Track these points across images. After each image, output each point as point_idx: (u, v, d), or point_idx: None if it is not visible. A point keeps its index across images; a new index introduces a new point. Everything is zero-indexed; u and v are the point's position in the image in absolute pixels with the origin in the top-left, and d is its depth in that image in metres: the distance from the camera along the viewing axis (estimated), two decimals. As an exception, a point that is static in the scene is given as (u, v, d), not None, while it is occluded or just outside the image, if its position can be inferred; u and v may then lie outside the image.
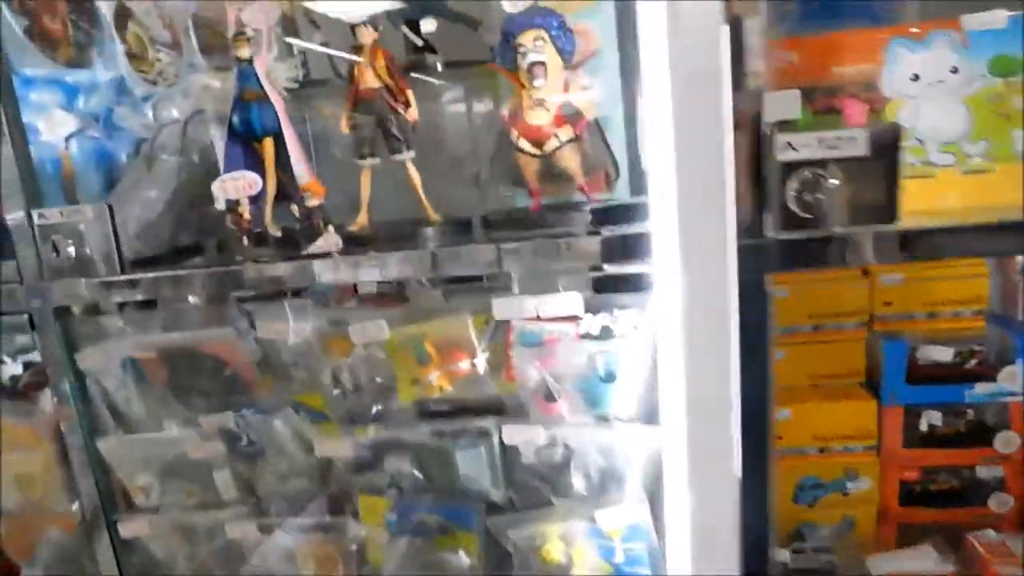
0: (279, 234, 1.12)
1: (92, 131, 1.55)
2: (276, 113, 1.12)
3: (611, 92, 1.16)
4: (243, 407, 1.06)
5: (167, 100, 1.53)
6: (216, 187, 1.04)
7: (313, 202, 1.07)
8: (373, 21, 1.09)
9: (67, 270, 1.02)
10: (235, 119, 1.13)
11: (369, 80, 1.07)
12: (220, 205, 1.13)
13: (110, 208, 1.04)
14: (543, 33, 1.01)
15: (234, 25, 1.16)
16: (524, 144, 1.05)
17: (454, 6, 1.41)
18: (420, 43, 1.38)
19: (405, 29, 1.37)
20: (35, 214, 1.02)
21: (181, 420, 1.08)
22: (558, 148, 1.03)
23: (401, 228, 1.09)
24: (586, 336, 0.97)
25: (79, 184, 1.43)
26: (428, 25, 1.36)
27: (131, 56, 1.33)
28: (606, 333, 0.97)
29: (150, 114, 1.55)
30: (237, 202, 1.05)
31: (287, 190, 1.17)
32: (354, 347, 1.02)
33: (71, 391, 1.08)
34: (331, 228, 1.05)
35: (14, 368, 1.36)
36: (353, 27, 1.07)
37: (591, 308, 0.95)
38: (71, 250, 1.01)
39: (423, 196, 1.12)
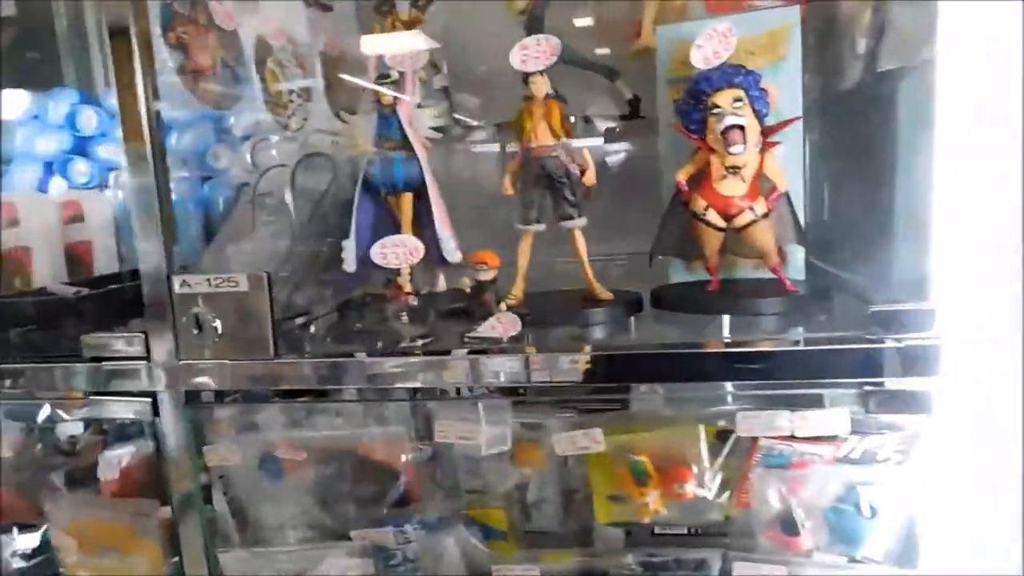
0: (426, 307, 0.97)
1: (183, 171, 1.40)
2: (420, 166, 0.98)
3: (795, 158, 1.03)
4: (404, 520, 0.88)
5: (266, 143, 1.39)
6: (376, 253, 0.88)
7: (487, 275, 0.91)
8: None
9: (209, 349, 0.86)
10: (373, 171, 0.98)
11: (542, 137, 0.92)
12: (350, 267, 0.98)
13: (269, 277, 0.87)
14: (742, 93, 0.87)
15: (376, 66, 1.02)
16: (712, 216, 0.91)
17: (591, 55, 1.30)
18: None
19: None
20: (176, 280, 0.85)
21: (325, 532, 0.90)
22: (752, 223, 0.90)
23: (558, 302, 0.96)
24: (845, 460, 0.81)
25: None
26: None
27: (267, 96, 1.18)
28: (868, 458, 0.82)
29: (247, 156, 1.40)
30: (397, 272, 0.89)
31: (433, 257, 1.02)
32: (549, 455, 0.86)
33: (194, 491, 0.90)
34: (504, 306, 0.90)
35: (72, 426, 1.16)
36: (526, 76, 0.93)
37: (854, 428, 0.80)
38: (217, 325, 0.84)
39: (588, 269, 0.99)
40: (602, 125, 1.39)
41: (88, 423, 1.04)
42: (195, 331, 0.84)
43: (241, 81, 1.21)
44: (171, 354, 0.85)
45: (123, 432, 1.00)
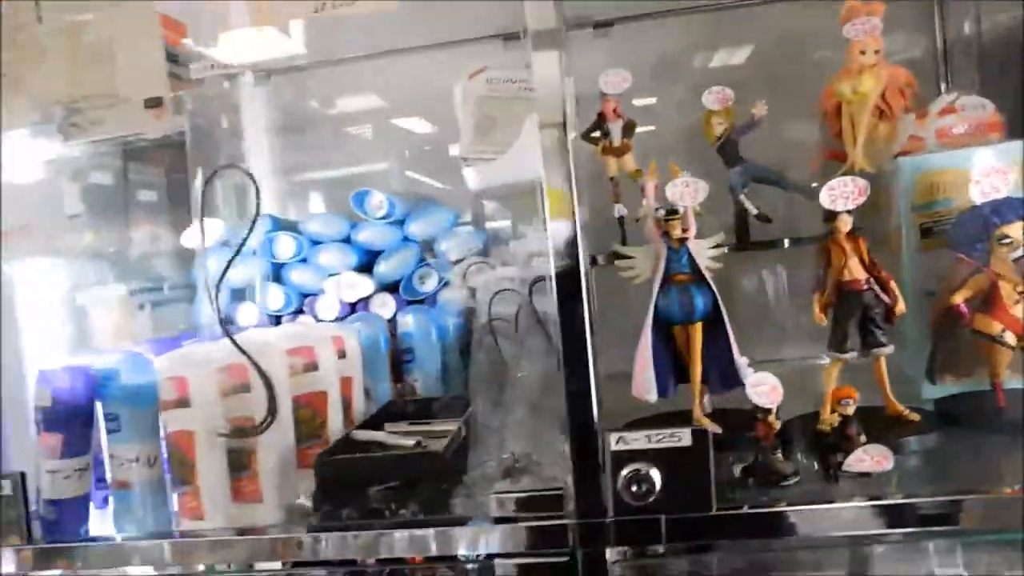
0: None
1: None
2: (714, 295, 1.01)
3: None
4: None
5: (481, 265, 1.40)
6: (753, 390, 0.88)
7: (850, 409, 0.91)
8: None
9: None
10: (667, 302, 1.01)
11: (855, 271, 0.97)
12: (651, 396, 0.97)
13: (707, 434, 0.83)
14: (1033, 225, 0.93)
15: (655, 200, 1.06)
16: (1009, 338, 0.95)
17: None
18: (755, 211, 1.31)
19: (743, 197, 1.30)
20: (612, 438, 0.79)
21: None
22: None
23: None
24: None
25: (416, 363, 1.25)
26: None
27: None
28: None
29: (459, 279, 1.40)
30: (768, 411, 0.89)
31: (718, 383, 1.03)
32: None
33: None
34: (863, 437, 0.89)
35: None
36: (833, 215, 0.97)
37: None
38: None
39: (890, 393, 1.01)
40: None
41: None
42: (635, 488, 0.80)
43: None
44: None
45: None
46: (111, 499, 0.94)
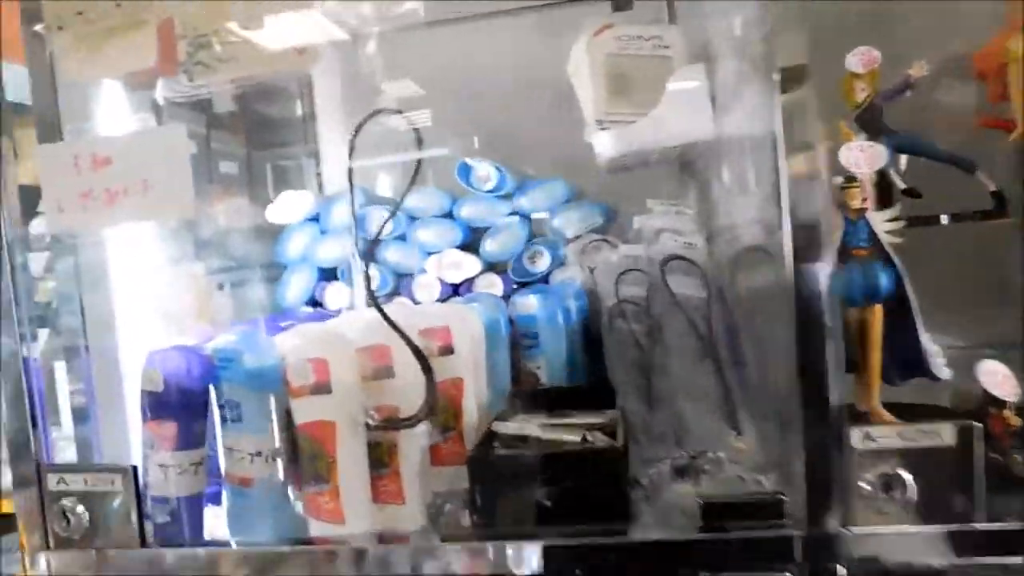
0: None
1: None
2: (898, 272, 0.88)
3: None
4: None
5: (599, 243, 1.27)
6: (988, 380, 0.75)
7: None
8: None
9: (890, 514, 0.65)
10: (843, 280, 0.88)
11: None
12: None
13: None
14: None
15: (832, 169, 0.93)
16: None
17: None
18: (903, 186, 1.17)
19: (892, 171, 1.17)
20: (856, 434, 0.65)
21: None
22: None
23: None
24: None
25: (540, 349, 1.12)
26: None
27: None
28: None
29: (573, 257, 1.27)
30: (1003, 403, 0.76)
31: (896, 373, 0.90)
32: None
33: None
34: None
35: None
36: None
37: None
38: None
39: None
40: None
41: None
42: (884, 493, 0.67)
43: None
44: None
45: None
46: (227, 498, 0.82)
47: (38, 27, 0.75)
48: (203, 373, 0.80)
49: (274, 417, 0.80)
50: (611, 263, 1.20)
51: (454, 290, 1.27)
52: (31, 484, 0.77)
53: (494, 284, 1.26)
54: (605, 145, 1.09)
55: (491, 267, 1.27)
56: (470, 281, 1.27)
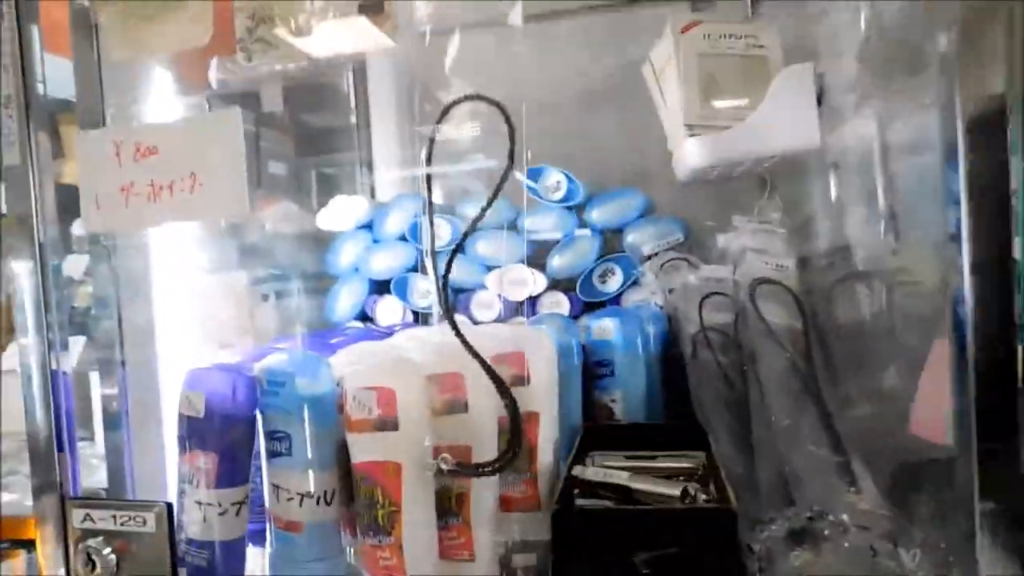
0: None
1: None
2: None
3: None
4: None
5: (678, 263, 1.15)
6: None
7: None
8: None
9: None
10: None
11: None
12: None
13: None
14: None
15: None
16: None
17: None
18: None
19: None
20: None
21: None
22: None
23: None
24: None
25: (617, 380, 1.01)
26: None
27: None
28: None
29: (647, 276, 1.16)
30: None
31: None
32: None
33: None
34: None
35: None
36: None
37: None
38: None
39: None
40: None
41: None
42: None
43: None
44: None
45: None
46: (271, 542, 0.72)
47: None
48: (249, 397, 0.70)
49: (330, 453, 0.70)
50: (692, 285, 1.08)
51: (515, 309, 1.17)
52: (53, 519, 0.67)
53: (560, 303, 1.15)
54: (694, 154, 0.98)
55: (556, 285, 1.17)
56: (534, 299, 1.16)
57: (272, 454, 0.70)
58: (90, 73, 0.74)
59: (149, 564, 0.66)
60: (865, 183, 0.86)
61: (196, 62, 0.88)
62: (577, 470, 0.77)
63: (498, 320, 1.17)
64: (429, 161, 0.69)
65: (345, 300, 1.22)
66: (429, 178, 0.70)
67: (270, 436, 0.70)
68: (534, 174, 1.16)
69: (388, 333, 1.03)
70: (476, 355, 0.65)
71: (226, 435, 0.69)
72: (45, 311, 0.72)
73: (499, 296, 1.17)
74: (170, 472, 0.85)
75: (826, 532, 0.70)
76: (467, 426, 0.67)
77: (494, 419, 0.69)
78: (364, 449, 0.65)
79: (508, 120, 0.67)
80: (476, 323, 1.17)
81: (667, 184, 1.18)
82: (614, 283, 1.14)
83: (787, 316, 1.00)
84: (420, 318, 1.21)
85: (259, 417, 0.72)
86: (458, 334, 0.66)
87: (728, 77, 1.01)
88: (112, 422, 0.86)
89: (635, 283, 1.14)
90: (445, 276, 0.71)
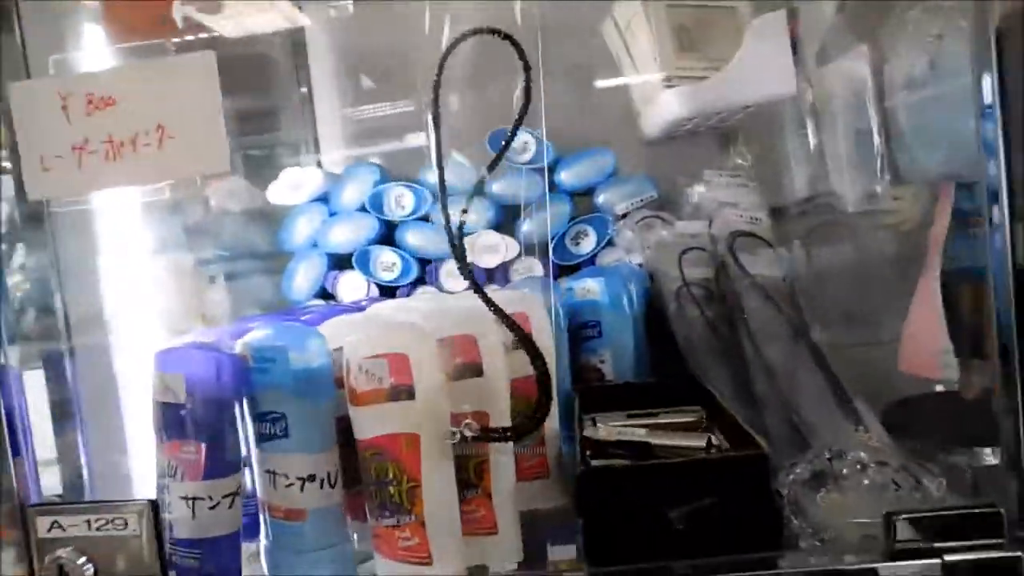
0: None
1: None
2: None
3: None
4: None
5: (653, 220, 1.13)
6: None
7: None
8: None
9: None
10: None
11: None
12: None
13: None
14: None
15: None
16: None
17: None
18: None
19: None
20: None
21: None
22: None
23: None
24: None
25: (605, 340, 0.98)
26: None
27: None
28: None
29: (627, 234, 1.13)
30: None
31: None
32: None
33: None
34: None
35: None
36: None
37: None
38: None
39: None
40: None
41: None
42: None
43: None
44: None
45: None
46: (269, 535, 0.66)
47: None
48: (235, 377, 0.63)
49: (330, 432, 0.64)
50: (668, 241, 1.07)
51: (487, 276, 1.13)
52: (14, 533, 0.59)
53: (533, 268, 1.11)
54: (672, 105, 0.96)
55: (527, 250, 1.13)
56: (506, 265, 1.12)
57: (264, 437, 0.64)
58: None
59: (133, 570, 0.59)
60: (851, 125, 0.86)
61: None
62: (589, 431, 0.74)
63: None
64: (436, 103, 0.63)
65: (303, 277, 1.13)
66: (437, 117, 0.64)
67: (261, 418, 0.64)
68: (499, 135, 1.11)
69: (359, 308, 0.97)
70: (502, 313, 0.61)
71: (212, 420, 0.62)
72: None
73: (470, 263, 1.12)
74: (135, 469, 0.77)
75: (845, 471, 0.69)
76: (482, 391, 0.63)
77: (507, 382, 0.65)
78: (375, 423, 0.60)
79: (522, 53, 0.62)
80: (443, 292, 1.12)
81: (629, 144, 1.16)
82: (588, 244, 1.11)
83: (766, 267, 1.00)
84: (385, 293, 1.15)
85: (246, 400, 0.65)
86: (479, 290, 0.61)
87: (698, 27, 0.99)
88: (63, 421, 0.77)
89: (609, 244, 1.12)
90: (460, 228, 0.66)
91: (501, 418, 0.64)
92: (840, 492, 0.67)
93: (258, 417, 0.64)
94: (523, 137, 1.11)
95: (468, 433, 0.57)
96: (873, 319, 0.92)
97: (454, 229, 0.66)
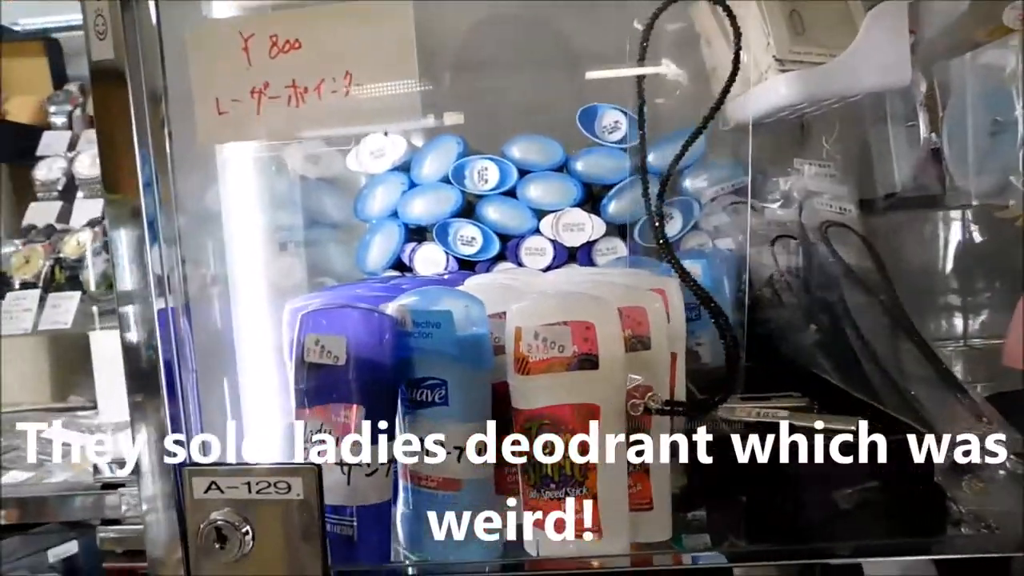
0: None
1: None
2: None
3: None
4: None
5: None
6: None
7: None
8: None
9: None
10: None
11: None
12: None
13: None
14: None
15: None
16: None
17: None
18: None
19: None
20: None
21: None
22: None
23: None
24: None
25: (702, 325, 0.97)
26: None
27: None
28: None
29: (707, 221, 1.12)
30: None
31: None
32: None
33: None
34: None
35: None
36: None
37: None
38: None
39: None
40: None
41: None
42: None
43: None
44: None
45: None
46: (418, 506, 0.64)
47: None
48: (395, 340, 0.61)
49: (488, 401, 0.62)
50: (759, 228, 1.07)
51: (568, 255, 1.11)
52: (163, 493, 0.56)
53: (617, 249, 1.10)
54: (782, 90, 0.95)
55: (612, 230, 1.11)
56: (589, 246, 1.11)
57: (420, 404, 0.62)
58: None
59: (291, 537, 0.56)
60: (987, 117, 0.85)
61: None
62: (725, 412, 0.73)
63: (551, 267, 1.10)
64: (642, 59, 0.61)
65: (379, 248, 1.10)
66: (641, 80, 0.62)
67: (418, 384, 0.62)
68: (589, 113, 1.09)
69: (459, 279, 0.94)
70: (693, 282, 0.59)
71: (373, 383, 0.59)
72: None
73: (551, 242, 1.10)
74: (251, 433, 0.74)
75: (987, 461, 0.70)
76: (648, 364, 0.61)
77: (670, 356, 0.64)
78: (549, 392, 0.58)
79: (733, 20, 0.60)
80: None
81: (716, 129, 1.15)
82: (673, 228, 1.11)
83: (857, 257, 1.01)
84: (464, 267, 1.13)
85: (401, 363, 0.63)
86: (675, 262, 0.60)
87: (809, 13, 0.99)
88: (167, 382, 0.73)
89: (694, 228, 1.11)
90: (660, 200, 0.64)
91: (664, 391, 0.63)
92: (982, 480, 0.68)
93: (415, 383, 0.62)
94: (613, 115, 1.09)
95: (653, 405, 0.56)
96: (977, 314, 0.93)
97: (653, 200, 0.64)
